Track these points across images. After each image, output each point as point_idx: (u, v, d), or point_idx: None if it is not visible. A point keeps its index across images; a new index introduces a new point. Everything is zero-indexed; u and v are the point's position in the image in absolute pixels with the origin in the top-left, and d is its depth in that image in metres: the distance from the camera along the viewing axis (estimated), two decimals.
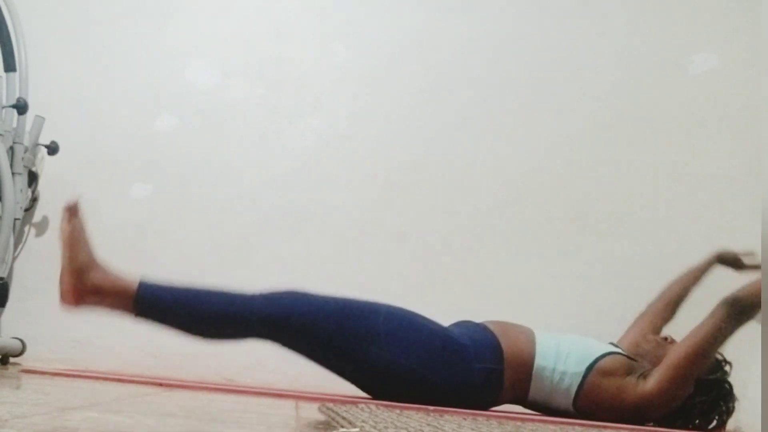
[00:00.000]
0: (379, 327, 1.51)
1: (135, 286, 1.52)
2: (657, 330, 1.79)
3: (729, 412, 1.60)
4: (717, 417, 1.58)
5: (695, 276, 1.84)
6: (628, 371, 1.54)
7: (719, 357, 1.62)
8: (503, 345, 1.54)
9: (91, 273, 1.55)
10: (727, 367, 1.62)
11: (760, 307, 1.56)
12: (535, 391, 1.55)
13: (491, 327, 1.59)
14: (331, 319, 1.50)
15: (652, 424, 1.58)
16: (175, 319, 1.56)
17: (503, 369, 1.52)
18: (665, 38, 2.15)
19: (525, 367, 1.53)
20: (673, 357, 1.52)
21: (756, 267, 1.77)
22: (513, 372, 1.53)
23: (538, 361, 1.53)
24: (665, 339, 1.66)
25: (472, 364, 1.51)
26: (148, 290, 1.53)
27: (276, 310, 1.53)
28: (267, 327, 1.54)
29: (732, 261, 1.83)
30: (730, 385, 1.61)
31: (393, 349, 1.50)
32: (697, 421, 1.58)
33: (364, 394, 1.61)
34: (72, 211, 1.57)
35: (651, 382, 1.50)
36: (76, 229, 1.58)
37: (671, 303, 1.82)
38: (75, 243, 1.57)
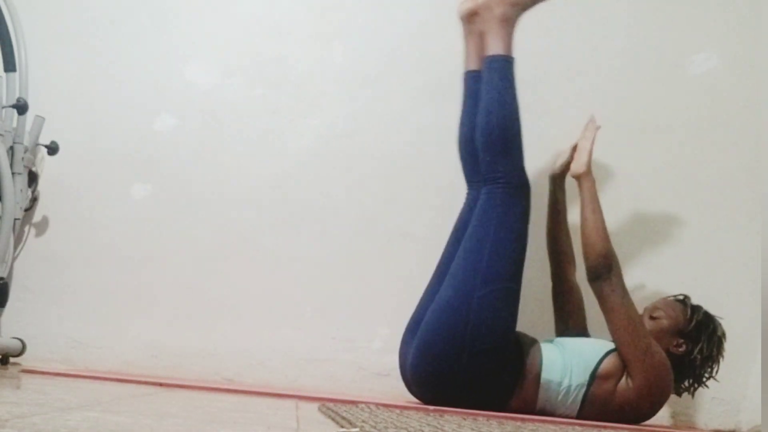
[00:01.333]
0: (500, 284, 1.56)
1: (508, 52, 1.69)
2: (574, 287, 1.80)
3: (721, 339, 1.60)
4: (717, 350, 1.59)
5: (556, 210, 1.84)
6: (624, 368, 1.54)
7: (681, 298, 1.63)
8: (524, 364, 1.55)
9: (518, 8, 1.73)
10: (690, 302, 1.62)
11: (607, 252, 1.57)
12: (541, 403, 1.55)
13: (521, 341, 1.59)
14: (505, 234, 1.59)
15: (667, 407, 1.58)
16: (507, 96, 1.67)
17: (515, 386, 1.53)
18: (665, 38, 2.15)
19: (533, 381, 1.54)
20: (624, 354, 1.52)
21: (563, 162, 1.82)
22: (521, 388, 1.53)
23: (545, 375, 1.53)
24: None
25: (501, 372, 1.52)
26: (509, 65, 1.69)
27: (523, 176, 1.69)
28: (504, 171, 1.64)
29: (564, 167, 1.85)
30: (708, 316, 1.61)
31: (482, 309, 1.51)
32: (704, 367, 1.58)
33: (365, 390, 1.61)
34: None
35: (634, 381, 1.51)
36: None
37: (562, 251, 1.82)
38: None
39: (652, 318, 1.63)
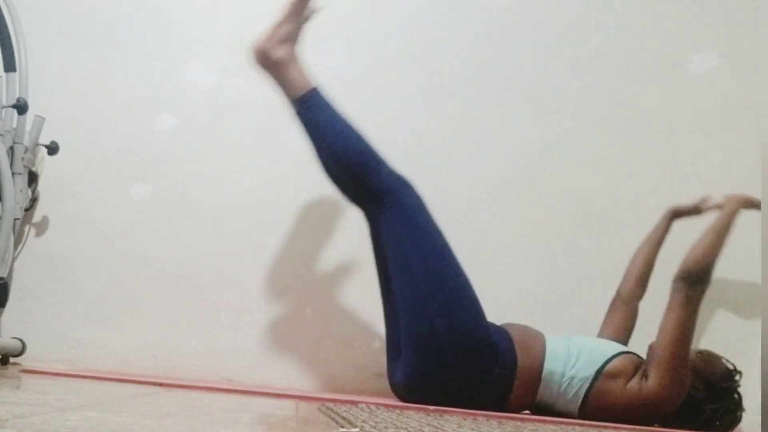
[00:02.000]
0: (449, 286, 1.55)
1: (308, 88, 1.67)
2: (634, 309, 1.79)
3: (737, 421, 1.60)
4: (724, 424, 1.59)
5: (655, 242, 1.84)
6: (636, 371, 1.54)
7: (731, 366, 1.63)
8: (518, 354, 1.55)
9: (282, 48, 1.69)
10: (737, 377, 1.62)
11: (710, 269, 1.56)
12: (541, 395, 1.55)
13: (511, 333, 1.59)
14: (424, 245, 1.58)
15: (656, 424, 1.58)
16: (316, 140, 1.66)
17: (514, 379, 1.53)
18: (665, 38, 2.15)
19: (535, 373, 1.54)
20: (660, 351, 1.52)
21: (713, 207, 1.78)
22: (523, 381, 1.53)
23: (547, 366, 1.53)
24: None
25: (493, 367, 1.52)
26: (316, 100, 1.67)
27: (396, 193, 1.61)
28: (377, 195, 1.61)
29: (687, 210, 1.85)
30: (740, 395, 1.61)
31: (444, 314, 1.51)
32: (706, 425, 1.58)
33: (365, 390, 1.61)
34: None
35: (651, 381, 1.51)
36: (301, 4, 1.72)
37: (640, 278, 1.82)
38: (293, 15, 1.71)
39: (699, 353, 1.64)
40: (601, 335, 1.79)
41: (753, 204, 1.75)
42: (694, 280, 1.55)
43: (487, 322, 1.58)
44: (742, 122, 2.07)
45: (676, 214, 1.87)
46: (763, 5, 2.07)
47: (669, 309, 1.55)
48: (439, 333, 1.51)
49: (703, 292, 1.56)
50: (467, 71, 2.17)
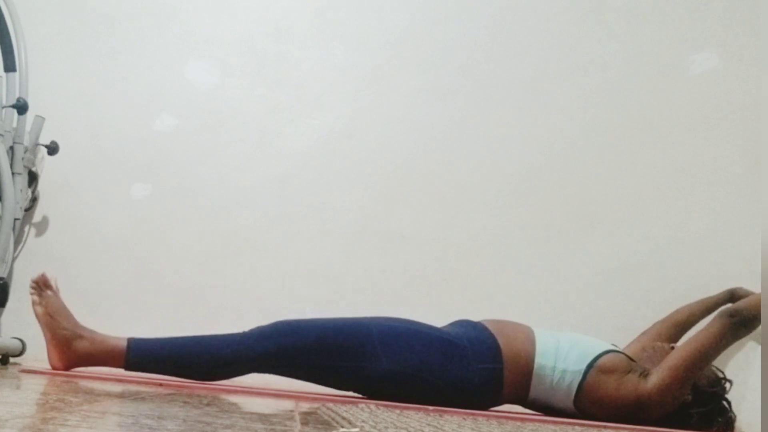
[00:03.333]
0: (375, 342, 1.53)
1: (123, 345, 1.51)
2: (657, 347, 1.79)
3: (726, 426, 1.61)
4: (713, 429, 1.59)
5: (707, 307, 1.87)
6: (628, 370, 1.54)
7: (720, 374, 1.64)
8: (501, 344, 1.54)
9: (77, 342, 1.52)
10: (726, 385, 1.63)
11: (758, 321, 1.60)
12: (535, 390, 1.55)
13: (489, 326, 1.59)
14: (324, 347, 1.52)
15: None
16: (169, 370, 1.56)
17: (502, 368, 1.53)
18: (665, 38, 2.15)
19: (525, 365, 1.54)
20: (673, 359, 1.53)
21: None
22: (513, 371, 1.53)
23: (538, 360, 1.53)
24: (672, 347, 1.66)
25: (471, 364, 1.52)
26: (137, 348, 1.53)
27: (268, 346, 1.55)
28: (262, 364, 1.57)
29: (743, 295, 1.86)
30: (729, 403, 1.62)
31: (392, 358, 1.51)
32: (693, 429, 1.59)
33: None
34: (41, 285, 1.57)
35: (651, 381, 1.51)
36: (51, 303, 1.56)
37: (678, 325, 1.85)
38: (53, 318, 1.54)
39: None
40: (625, 349, 1.79)
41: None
42: (740, 322, 1.58)
43: (435, 330, 1.57)
44: (742, 122, 2.07)
45: (734, 296, 1.88)
46: (763, 5, 2.07)
47: (703, 330, 1.58)
48: (403, 370, 1.50)
49: (739, 334, 1.60)
50: (467, 72, 2.17)
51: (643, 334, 1.84)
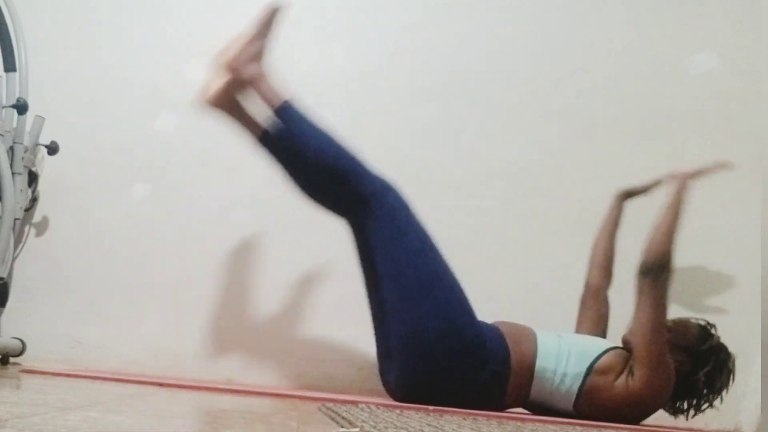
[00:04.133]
0: (439, 286, 1.55)
1: (283, 99, 1.63)
2: (605, 299, 1.80)
3: (732, 373, 1.59)
4: (723, 382, 1.58)
5: (612, 227, 1.85)
6: (624, 367, 1.54)
7: (702, 323, 1.63)
8: (511, 349, 1.54)
9: (253, 66, 1.65)
10: (713, 330, 1.62)
11: (668, 256, 1.57)
12: (536, 393, 1.55)
13: (502, 329, 1.59)
14: (411, 245, 1.57)
15: (666, 411, 1.58)
16: (296, 154, 1.62)
17: (509, 373, 1.53)
18: (665, 38, 2.15)
19: (527, 369, 1.54)
20: (639, 349, 1.52)
21: (658, 182, 1.82)
22: (516, 376, 1.53)
23: (540, 363, 1.53)
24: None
25: (486, 363, 1.52)
26: (293, 108, 1.63)
27: (381, 197, 1.61)
28: (362, 209, 1.61)
29: (638, 190, 1.87)
30: (725, 348, 1.61)
31: (434, 313, 1.51)
32: (705, 392, 1.58)
33: (365, 390, 1.61)
34: (273, 13, 1.71)
35: (636, 378, 1.51)
36: (268, 25, 1.70)
37: (603, 265, 1.83)
38: (260, 34, 1.69)
39: (668, 329, 1.63)
40: (578, 332, 1.79)
41: (699, 173, 1.73)
42: (656, 272, 1.56)
43: (477, 321, 1.58)
44: (742, 122, 2.07)
45: (627, 195, 1.88)
46: (763, 5, 2.06)
47: (638, 304, 1.56)
48: (430, 334, 1.51)
49: (667, 280, 1.56)
50: (467, 71, 2.17)
51: (584, 293, 1.83)
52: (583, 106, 2.13)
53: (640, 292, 1.56)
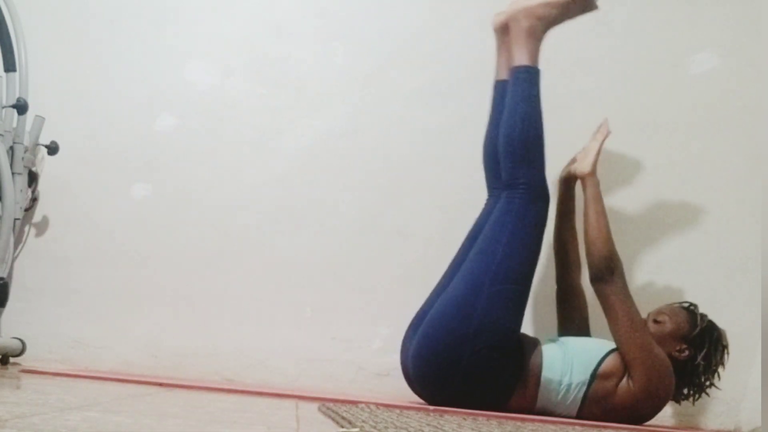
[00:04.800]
0: (514, 277, 1.58)
1: (539, 66, 1.75)
2: (579, 293, 1.80)
3: (726, 348, 1.60)
4: (719, 358, 1.59)
5: (565, 216, 1.84)
6: (626, 369, 1.54)
7: (686, 306, 1.63)
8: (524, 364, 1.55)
9: (543, 23, 1.77)
10: (698, 310, 1.63)
11: (611, 254, 1.59)
12: (541, 403, 1.55)
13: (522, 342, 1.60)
14: (523, 231, 1.62)
15: (672, 402, 1.58)
16: (527, 106, 1.71)
17: (515, 386, 1.53)
18: (665, 38, 2.15)
19: (533, 381, 1.54)
20: (627, 352, 1.53)
21: (600, 138, 1.84)
22: (522, 387, 1.54)
23: (545, 374, 1.54)
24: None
25: (503, 371, 1.52)
26: (540, 78, 1.75)
27: (537, 185, 1.69)
28: (518, 182, 1.67)
29: (572, 171, 1.87)
30: (713, 324, 1.62)
31: (490, 303, 1.53)
32: (704, 379, 1.58)
33: (365, 390, 1.60)
34: None
35: (635, 382, 1.51)
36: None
37: (569, 258, 1.82)
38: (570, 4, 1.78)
39: (655, 322, 1.63)
40: (563, 332, 1.79)
41: (596, 155, 1.78)
42: (607, 275, 1.57)
43: (518, 335, 1.59)
44: (742, 122, 2.07)
45: (567, 176, 1.87)
46: (763, 5, 2.06)
47: (607, 313, 1.58)
48: (474, 320, 1.51)
49: (620, 276, 1.58)
50: (467, 71, 2.17)
51: (563, 302, 1.83)
52: (583, 106, 2.13)
53: (602, 298, 1.58)
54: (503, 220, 1.61)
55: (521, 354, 1.55)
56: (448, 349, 1.51)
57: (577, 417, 1.54)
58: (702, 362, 1.56)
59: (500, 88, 1.81)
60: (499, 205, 1.65)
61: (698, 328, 1.59)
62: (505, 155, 1.68)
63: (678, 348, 1.58)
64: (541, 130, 1.69)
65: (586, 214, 1.67)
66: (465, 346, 1.50)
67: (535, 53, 1.74)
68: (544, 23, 1.75)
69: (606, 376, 1.53)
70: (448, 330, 1.52)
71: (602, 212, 1.65)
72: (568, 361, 1.55)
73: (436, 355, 1.52)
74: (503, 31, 1.80)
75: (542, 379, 1.53)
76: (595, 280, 1.59)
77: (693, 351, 1.58)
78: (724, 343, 1.61)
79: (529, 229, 1.61)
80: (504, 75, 1.81)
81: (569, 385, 1.53)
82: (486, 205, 1.76)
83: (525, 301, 1.59)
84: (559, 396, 1.53)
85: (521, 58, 1.73)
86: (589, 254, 1.62)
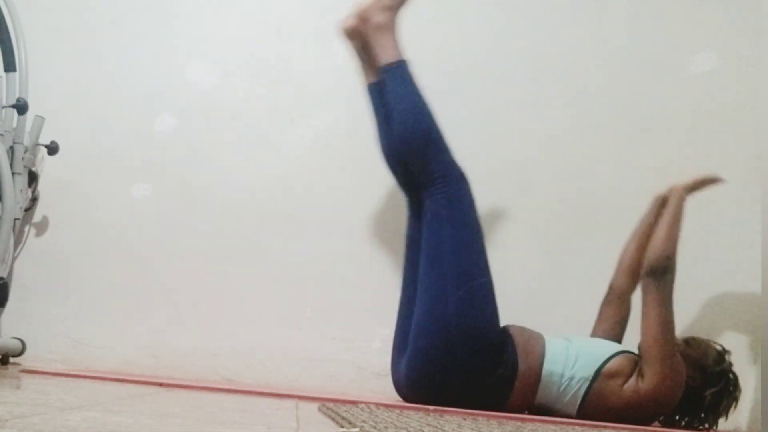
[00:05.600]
0: (475, 282, 1.56)
1: (397, 58, 1.71)
2: (627, 303, 1.78)
3: (736, 401, 1.60)
4: (726, 406, 1.59)
5: (645, 233, 1.80)
6: (632, 371, 1.54)
7: (719, 347, 1.63)
8: (519, 354, 1.55)
9: (384, 15, 1.73)
10: (728, 357, 1.63)
11: (671, 258, 1.58)
12: (541, 397, 1.55)
13: (513, 334, 1.59)
14: (466, 238, 1.60)
15: (657, 423, 1.58)
16: (404, 102, 1.68)
17: (515, 380, 1.53)
18: (665, 38, 2.15)
19: (534, 375, 1.54)
20: (648, 351, 1.53)
21: (707, 181, 1.77)
22: (522, 381, 1.53)
23: (547, 367, 1.53)
24: None
25: (496, 368, 1.52)
26: (408, 67, 1.72)
27: (451, 172, 1.67)
28: (432, 177, 1.65)
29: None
30: (735, 375, 1.61)
31: (460, 307, 1.52)
32: (705, 412, 1.58)
33: (365, 390, 1.60)
34: None
35: (647, 380, 1.51)
36: None
37: (631, 271, 1.80)
38: None
39: (686, 343, 1.64)
40: (595, 333, 1.78)
41: (698, 185, 1.74)
42: (660, 273, 1.57)
43: (499, 326, 1.58)
44: (742, 122, 2.07)
45: (665, 201, 1.86)
46: (763, 5, 2.06)
47: (644, 307, 1.57)
48: (452, 330, 1.51)
49: (671, 281, 1.58)
50: (467, 71, 2.17)
51: (607, 295, 1.81)
52: (583, 105, 2.13)
53: (646, 292, 1.58)
54: (436, 222, 1.60)
55: (509, 344, 1.55)
56: (438, 366, 1.51)
57: (577, 413, 1.54)
58: (709, 397, 1.57)
59: (375, 91, 1.77)
60: (426, 207, 1.63)
61: (720, 367, 1.59)
62: (410, 156, 1.66)
63: (692, 374, 1.58)
64: (432, 117, 1.66)
65: (665, 218, 1.66)
66: (454, 357, 1.51)
67: (396, 45, 1.72)
68: (394, 11, 1.73)
69: (611, 375, 1.53)
70: (433, 350, 1.52)
71: (679, 223, 1.64)
72: (573, 356, 1.55)
73: (428, 375, 1.52)
74: (355, 35, 1.76)
75: (544, 371, 1.53)
76: (648, 273, 1.58)
77: (704, 383, 1.58)
78: (736, 395, 1.61)
79: (464, 219, 1.60)
80: (373, 77, 1.78)
81: (571, 379, 1.52)
82: (409, 209, 1.74)
83: (492, 289, 1.59)
84: (561, 389, 1.53)
85: (386, 55, 1.71)
86: (653, 250, 1.61)
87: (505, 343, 1.55)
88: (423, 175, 1.64)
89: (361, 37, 1.75)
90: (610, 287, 1.82)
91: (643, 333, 1.55)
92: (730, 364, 1.62)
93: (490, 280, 1.60)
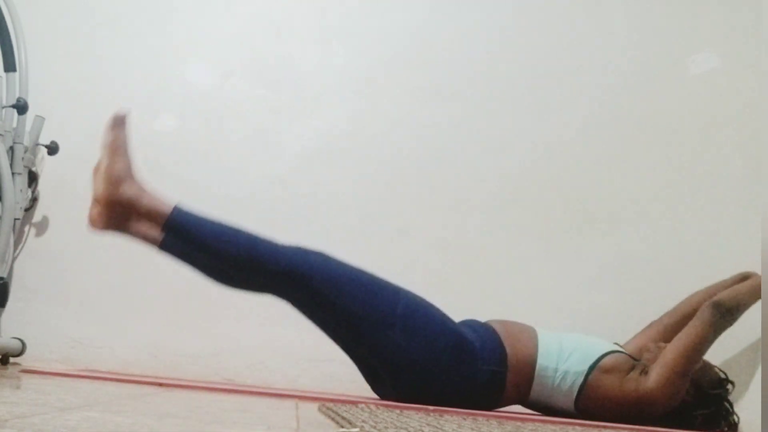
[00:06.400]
0: (398, 311, 1.50)
1: (169, 208, 1.48)
2: (668, 340, 1.78)
3: (729, 429, 1.61)
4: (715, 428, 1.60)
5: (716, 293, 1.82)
6: (629, 369, 1.55)
7: (722, 375, 1.64)
8: (507, 347, 1.54)
9: (127, 185, 1.51)
10: (729, 386, 1.63)
11: (740, 312, 1.61)
12: (536, 392, 1.55)
13: (496, 327, 1.59)
14: (354, 290, 1.49)
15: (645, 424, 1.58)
16: (199, 255, 1.51)
17: (506, 371, 1.53)
18: (665, 38, 2.15)
19: (527, 367, 1.54)
20: (668, 355, 1.54)
21: None
22: (515, 374, 1.53)
23: (540, 361, 1.53)
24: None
25: (478, 364, 1.52)
26: (181, 215, 1.49)
27: (301, 265, 1.50)
28: (287, 282, 1.51)
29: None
30: (731, 404, 1.62)
31: (406, 336, 1.49)
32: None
33: (365, 390, 1.60)
34: (118, 122, 1.56)
35: (651, 378, 1.51)
36: (120, 138, 1.55)
37: (687, 317, 1.80)
38: (116, 151, 1.55)
39: None
40: (629, 343, 1.78)
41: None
42: (724, 311, 1.59)
43: (452, 323, 1.57)
44: (742, 122, 2.07)
45: (745, 276, 1.85)
46: (763, 5, 2.07)
47: (693, 324, 1.59)
48: (411, 351, 1.49)
49: (725, 325, 1.61)
50: (468, 72, 2.17)
51: (650, 326, 1.81)
52: (584, 106, 2.13)
53: (701, 317, 1.59)
54: (329, 304, 1.51)
55: (487, 339, 1.54)
56: (424, 392, 1.49)
57: (575, 407, 1.54)
58: (700, 417, 1.58)
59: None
60: (307, 300, 1.57)
61: (716, 391, 1.60)
62: (247, 275, 1.55)
63: (688, 389, 1.59)
64: (234, 237, 1.52)
65: (745, 284, 1.69)
66: (435, 384, 1.50)
67: (154, 204, 1.51)
68: (129, 179, 1.54)
69: (607, 370, 1.53)
70: (409, 379, 1.49)
71: (754, 300, 1.65)
72: (567, 349, 1.55)
73: (421, 393, 1.51)
74: (122, 213, 1.53)
75: (537, 365, 1.53)
76: (713, 305, 1.60)
77: (695, 402, 1.59)
78: (730, 420, 1.62)
79: (341, 280, 1.51)
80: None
81: (566, 373, 1.52)
82: (290, 303, 1.64)
83: (417, 298, 1.54)
84: (555, 383, 1.53)
85: (156, 221, 1.51)
86: (730, 292, 1.65)
87: (478, 339, 1.53)
88: (277, 280, 1.53)
89: (117, 223, 1.55)
90: (661, 318, 1.81)
91: (674, 341, 1.57)
92: (727, 392, 1.63)
93: (406, 293, 1.55)
